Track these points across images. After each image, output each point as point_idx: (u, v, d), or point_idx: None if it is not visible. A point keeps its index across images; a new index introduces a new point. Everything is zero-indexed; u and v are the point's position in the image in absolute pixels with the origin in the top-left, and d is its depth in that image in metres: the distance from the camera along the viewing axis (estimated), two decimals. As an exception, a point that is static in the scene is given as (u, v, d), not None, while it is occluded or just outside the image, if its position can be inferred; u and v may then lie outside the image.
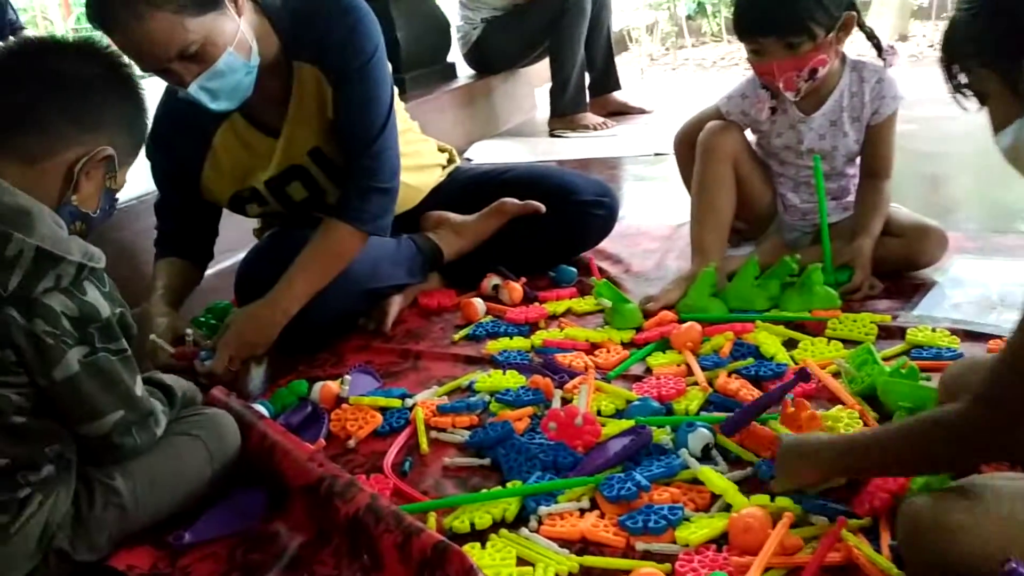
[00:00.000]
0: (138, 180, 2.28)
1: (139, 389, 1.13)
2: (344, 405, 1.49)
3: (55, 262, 1.01)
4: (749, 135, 1.88)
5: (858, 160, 1.82)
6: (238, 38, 1.51)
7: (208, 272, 1.93)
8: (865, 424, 1.25)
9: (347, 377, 1.54)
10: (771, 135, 1.83)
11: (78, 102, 1.12)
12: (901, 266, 1.76)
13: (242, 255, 1.86)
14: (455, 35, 3.83)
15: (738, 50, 6.41)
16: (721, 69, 5.75)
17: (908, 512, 0.92)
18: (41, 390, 1.04)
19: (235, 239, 2.18)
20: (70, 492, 1.12)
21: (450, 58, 3.89)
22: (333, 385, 1.52)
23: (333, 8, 1.65)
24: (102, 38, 1.30)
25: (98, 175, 1.14)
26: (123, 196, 2.10)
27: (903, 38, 5.94)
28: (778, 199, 1.89)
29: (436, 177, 2.06)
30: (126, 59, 1.23)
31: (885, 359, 1.40)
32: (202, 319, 1.83)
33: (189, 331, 1.60)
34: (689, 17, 6.62)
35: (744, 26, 1.68)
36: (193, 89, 1.50)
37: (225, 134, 1.73)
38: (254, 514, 1.22)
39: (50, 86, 1.11)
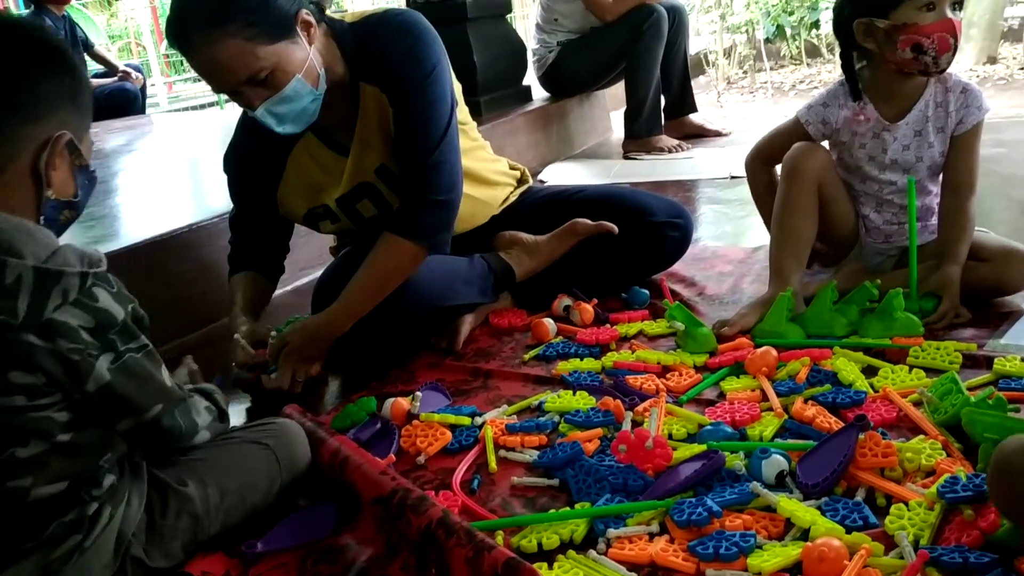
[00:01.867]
0: (219, 199, 2.37)
1: (168, 380, 1.11)
2: (415, 421, 1.50)
3: (56, 278, 0.97)
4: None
5: (940, 177, 1.78)
6: (307, 66, 1.56)
7: (287, 288, 1.99)
8: (949, 455, 1.21)
9: (418, 394, 1.56)
10: (853, 146, 1.79)
11: (15, 96, 1.03)
12: (988, 292, 1.70)
13: (318, 273, 1.90)
14: (531, 58, 3.86)
15: (817, 73, 6.32)
16: (800, 93, 5.68)
17: (1000, 457, 0.94)
18: (78, 402, 1.02)
19: (312, 257, 2.23)
20: (142, 499, 1.13)
21: (525, 81, 3.93)
22: (404, 401, 1.54)
23: (393, 29, 1.68)
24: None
25: (64, 161, 1.07)
26: (205, 214, 2.21)
27: (992, 60, 5.78)
28: (859, 221, 1.84)
29: (506, 193, 2.07)
30: (44, 27, 1.14)
31: (970, 389, 1.35)
32: (283, 329, 1.87)
33: (273, 334, 1.65)
34: (767, 40, 6.57)
35: None
36: (260, 112, 1.55)
37: (300, 153, 1.79)
38: (325, 527, 1.23)
39: None
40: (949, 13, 1.61)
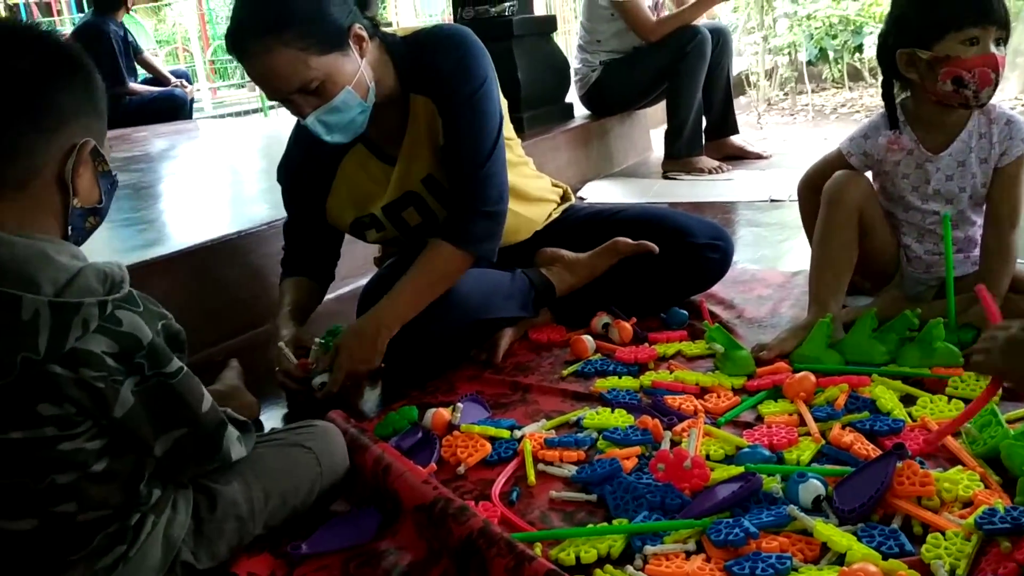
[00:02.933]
0: (264, 208, 2.42)
1: (206, 404, 1.08)
2: (455, 432, 1.53)
3: (75, 309, 0.95)
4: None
5: (983, 209, 1.78)
6: (357, 78, 1.62)
7: (328, 296, 2.03)
8: (987, 487, 1.21)
9: (459, 405, 1.58)
10: (896, 175, 1.80)
11: (36, 107, 1.01)
12: (1029, 326, 1.69)
13: (361, 282, 1.95)
14: (573, 76, 3.90)
15: (859, 97, 6.29)
16: (841, 116, 5.65)
17: None
18: (108, 429, 1.02)
19: (355, 267, 2.28)
20: (189, 505, 1.15)
21: (567, 99, 3.96)
22: (445, 412, 1.57)
23: (444, 41, 1.74)
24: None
25: (88, 168, 1.06)
26: (252, 222, 2.26)
27: (1038, 90, 5.70)
28: (900, 250, 1.85)
29: (548, 211, 2.11)
30: (55, 32, 1.09)
31: (1010, 422, 1.35)
32: (322, 340, 1.91)
33: (317, 340, 1.70)
34: (810, 63, 6.54)
35: (975, 12, 1.63)
36: (310, 120, 1.62)
37: (349, 163, 1.84)
38: (367, 532, 1.26)
39: (2, 100, 0.99)
40: (992, 48, 1.63)
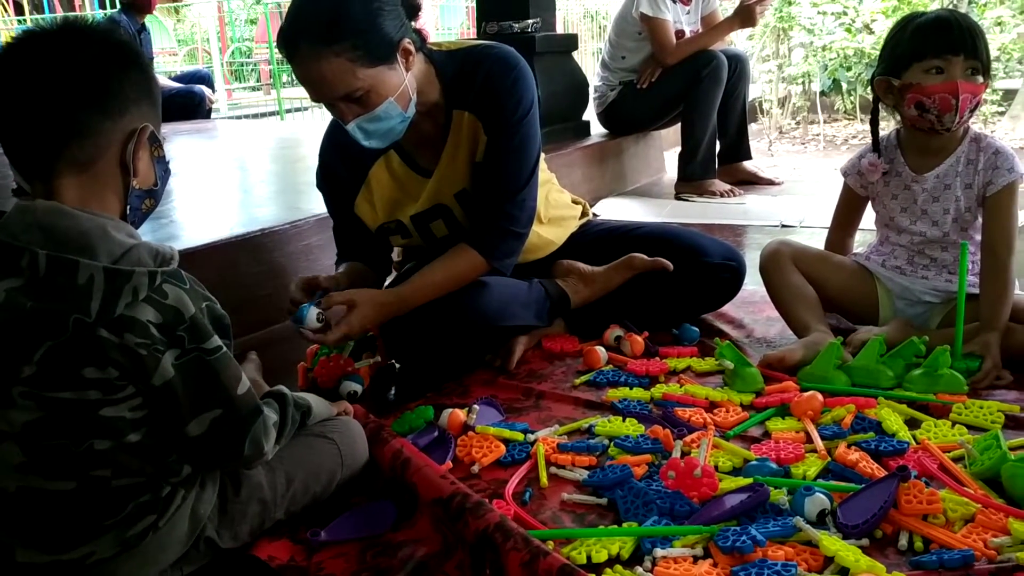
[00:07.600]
0: (286, 209, 2.47)
1: (242, 388, 1.12)
2: (470, 433, 1.56)
3: (127, 277, 1.02)
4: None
5: (978, 238, 1.85)
6: (400, 91, 1.66)
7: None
8: (984, 507, 1.25)
9: (475, 407, 1.62)
10: (886, 196, 1.93)
11: (102, 93, 1.09)
12: (1030, 356, 1.74)
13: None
14: (592, 94, 3.95)
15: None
16: (852, 148, 5.71)
17: None
18: (148, 397, 1.06)
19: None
20: (216, 484, 1.20)
21: (584, 116, 4.02)
22: (461, 413, 1.60)
23: (497, 63, 1.78)
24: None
25: (146, 152, 1.13)
26: (275, 221, 2.31)
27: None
28: (880, 295, 1.95)
29: (568, 232, 2.15)
30: (116, 29, 1.16)
31: (1012, 449, 1.39)
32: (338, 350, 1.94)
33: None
34: (823, 93, 6.60)
35: (936, 44, 1.75)
36: (351, 126, 1.66)
37: (380, 168, 1.88)
38: (384, 523, 1.30)
39: (74, 84, 1.06)
40: (960, 77, 1.72)
